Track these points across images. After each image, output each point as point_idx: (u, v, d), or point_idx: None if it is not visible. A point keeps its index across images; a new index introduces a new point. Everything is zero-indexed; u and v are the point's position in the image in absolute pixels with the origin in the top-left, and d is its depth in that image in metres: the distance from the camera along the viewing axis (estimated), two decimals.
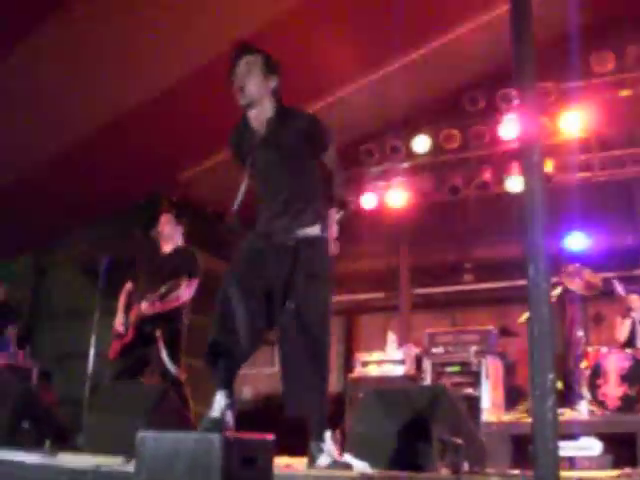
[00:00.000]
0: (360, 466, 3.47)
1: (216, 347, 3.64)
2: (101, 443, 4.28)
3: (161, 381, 5.52)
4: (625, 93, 8.70)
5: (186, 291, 5.83)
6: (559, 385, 7.00)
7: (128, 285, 6.08)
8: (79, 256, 10.56)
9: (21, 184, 9.15)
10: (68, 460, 3.80)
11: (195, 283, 5.87)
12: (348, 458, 3.59)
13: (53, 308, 11.60)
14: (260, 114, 3.82)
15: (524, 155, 2.58)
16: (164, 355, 5.60)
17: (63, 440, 5.63)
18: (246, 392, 10.39)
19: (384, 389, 5.54)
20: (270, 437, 2.57)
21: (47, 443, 5.23)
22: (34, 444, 5.17)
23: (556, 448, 2.33)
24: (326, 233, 3.84)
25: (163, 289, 5.69)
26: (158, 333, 5.68)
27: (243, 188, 3.78)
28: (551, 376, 2.37)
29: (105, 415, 4.55)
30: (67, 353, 10.62)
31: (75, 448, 5.06)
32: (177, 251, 6.05)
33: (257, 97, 3.75)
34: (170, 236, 6.07)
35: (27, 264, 12.03)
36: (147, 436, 2.57)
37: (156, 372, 5.65)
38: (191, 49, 7.39)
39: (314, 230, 3.80)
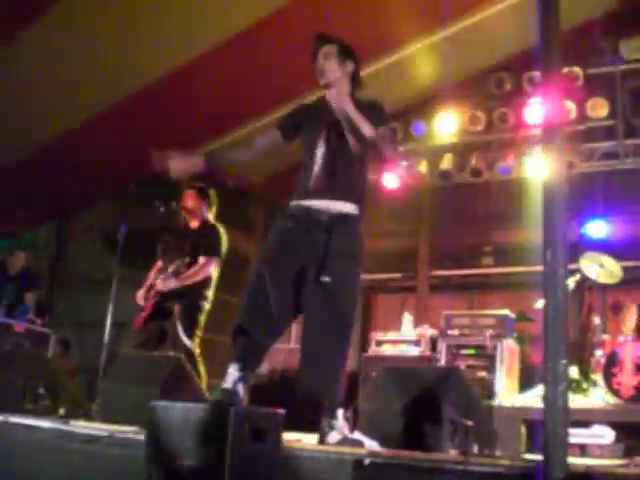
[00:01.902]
0: (370, 444, 3.49)
1: (240, 329, 3.73)
2: (114, 412, 4.32)
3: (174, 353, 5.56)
4: None
5: (204, 269, 5.84)
6: (575, 372, 6.96)
7: (159, 263, 6.09)
8: (100, 225, 10.62)
9: (44, 153, 9.20)
10: (81, 427, 3.84)
11: (214, 261, 5.88)
12: (358, 436, 3.61)
13: (73, 276, 11.69)
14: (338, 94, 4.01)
15: (546, 139, 2.56)
16: (179, 329, 5.64)
17: (77, 408, 5.70)
18: (262, 366, 10.43)
19: (396, 368, 5.53)
20: (281, 411, 2.59)
21: (61, 411, 5.30)
22: (48, 411, 5.23)
23: (566, 434, 2.33)
24: (361, 215, 3.93)
25: (173, 267, 5.73)
26: (175, 308, 5.72)
27: None
28: (564, 362, 2.37)
29: (119, 384, 4.58)
30: (85, 321, 10.70)
31: (89, 417, 5.11)
32: (202, 227, 6.07)
33: (333, 79, 4.00)
34: (194, 211, 6.08)
35: (49, 232, 12.12)
36: (159, 406, 2.59)
37: (171, 344, 5.70)
38: (229, 15, 7.41)
39: (352, 210, 3.88)
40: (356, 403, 6.89)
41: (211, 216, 6.15)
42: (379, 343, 8.39)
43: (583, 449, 6.30)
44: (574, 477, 2.32)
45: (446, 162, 9.51)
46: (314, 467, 2.84)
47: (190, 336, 5.67)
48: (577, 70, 8.54)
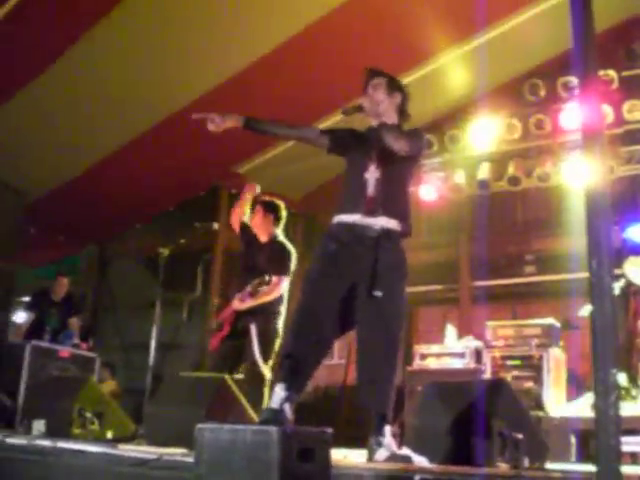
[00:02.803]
0: (418, 460, 3.46)
1: (287, 353, 3.80)
2: (161, 434, 4.33)
3: (248, 375, 5.52)
4: None
5: (277, 288, 5.77)
6: (623, 379, 6.85)
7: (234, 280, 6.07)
8: (141, 249, 10.72)
9: (85, 178, 9.32)
10: (129, 450, 3.86)
11: (286, 279, 5.82)
12: (407, 452, 3.58)
13: (116, 300, 11.81)
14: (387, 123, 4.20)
15: (586, 145, 2.52)
16: (255, 348, 5.59)
17: (125, 431, 5.72)
18: None
19: (443, 382, 5.49)
20: (328, 430, 2.57)
21: (109, 434, 5.34)
22: (96, 436, 5.27)
23: (618, 444, 2.28)
24: (405, 231, 4.03)
25: (251, 286, 5.67)
26: (251, 328, 5.67)
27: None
28: (613, 371, 2.32)
29: (165, 407, 4.60)
30: (130, 344, 10.80)
31: (136, 439, 5.13)
32: (270, 243, 5.98)
33: (382, 111, 4.20)
34: (260, 227, 6.05)
35: (91, 257, 12.26)
36: (206, 428, 2.59)
37: (249, 366, 5.61)
38: (255, 37, 7.46)
39: (395, 225, 3.96)
40: (402, 417, 6.83)
41: (279, 231, 6.06)
42: (423, 356, 8.31)
43: (634, 457, 6.20)
44: None
45: (483, 171, 9.44)
46: None
47: (265, 359, 5.59)
48: (612, 73, 8.44)
